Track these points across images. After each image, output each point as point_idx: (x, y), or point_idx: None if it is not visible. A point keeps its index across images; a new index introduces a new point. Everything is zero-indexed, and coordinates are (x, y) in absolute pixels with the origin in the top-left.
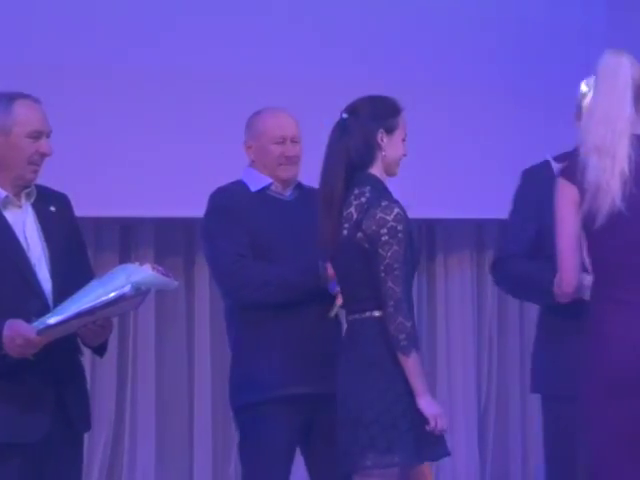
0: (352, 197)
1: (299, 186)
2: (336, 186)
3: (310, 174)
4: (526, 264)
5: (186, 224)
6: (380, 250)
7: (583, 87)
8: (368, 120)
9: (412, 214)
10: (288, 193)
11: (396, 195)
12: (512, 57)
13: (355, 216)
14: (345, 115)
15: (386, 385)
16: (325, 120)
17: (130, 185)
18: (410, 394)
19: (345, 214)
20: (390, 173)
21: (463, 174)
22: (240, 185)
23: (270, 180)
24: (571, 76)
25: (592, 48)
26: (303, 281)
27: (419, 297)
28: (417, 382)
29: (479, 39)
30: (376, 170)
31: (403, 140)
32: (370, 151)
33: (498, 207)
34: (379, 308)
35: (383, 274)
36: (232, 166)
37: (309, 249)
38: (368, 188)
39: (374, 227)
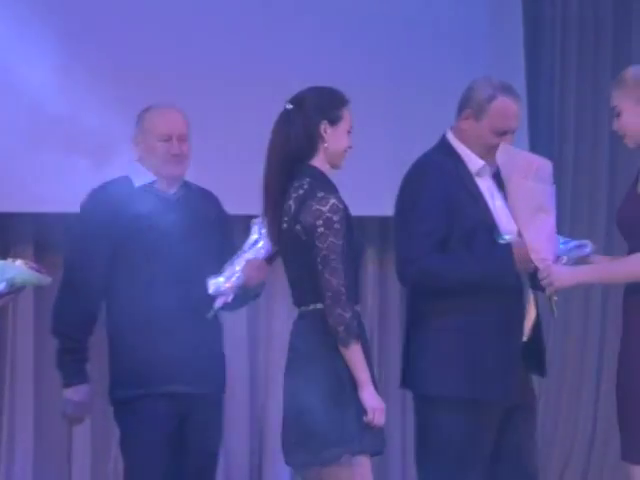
0: (291, 190)
1: (186, 185)
2: (275, 178)
3: None
4: (449, 260)
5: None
6: (317, 242)
7: (487, 88)
8: (312, 111)
9: None
10: (172, 191)
11: None
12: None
13: (293, 208)
14: (290, 106)
15: (334, 377)
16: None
17: (8, 180)
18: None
19: (285, 207)
20: (334, 165)
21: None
22: (125, 180)
23: (154, 177)
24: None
25: (474, 47)
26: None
27: None
28: (359, 373)
29: (364, 37)
30: (318, 162)
31: (348, 132)
32: (311, 142)
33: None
34: (321, 300)
35: (320, 266)
36: (113, 163)
37: (189, 247)
38: (307, 180)
39: (310, 219)
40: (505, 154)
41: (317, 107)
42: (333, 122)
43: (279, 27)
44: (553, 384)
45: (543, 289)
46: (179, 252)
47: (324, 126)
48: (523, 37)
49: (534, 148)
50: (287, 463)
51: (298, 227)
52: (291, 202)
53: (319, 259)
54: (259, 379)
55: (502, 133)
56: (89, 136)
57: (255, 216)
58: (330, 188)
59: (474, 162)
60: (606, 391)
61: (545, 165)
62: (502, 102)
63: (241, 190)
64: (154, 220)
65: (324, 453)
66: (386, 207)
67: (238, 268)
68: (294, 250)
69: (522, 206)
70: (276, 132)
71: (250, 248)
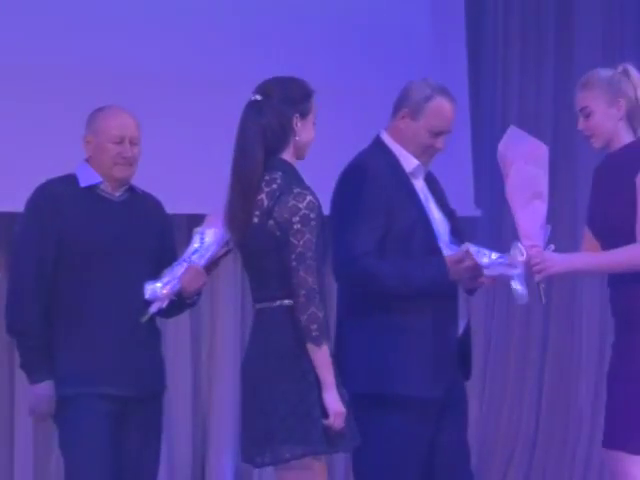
0: (263, 183)
1: (131, 189)
2: (255, 170)
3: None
4: (389, 264)
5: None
6: (292, 238)
7: (424, 89)
8: (283, 104)
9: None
10: (118, 194)
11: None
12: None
13: (266, 203)
14: (258, 97)
15: (300, 375)
16: None
17: None
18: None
19: (256, 202)
20: (300, 157)
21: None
22: (70, 179)
23: (100, 178)
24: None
25: (416, 49)
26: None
27: None
28: (326, 374)
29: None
30: (287, 155)
31: (314, 124)
32: (285, 135)
33: None
34: (289, 297)
35: (295, 263)
36: (57, 162)
37: (129, 251)
38: (279, 174)
39: (286, 215)
40: (512, 137)
41: (288, 99)
42: (303, 115)
43: (224, 28)
44: (497, 383)
45: (472, 292)
46: (119, 255)
47: (296, 119)
48: (466, 38)
49: (476, 148)
50: (246, 461)
51: (271, 222)
52: (263, 196)
53: (294, 256)
54: (202, 377)
55: (437, 133)
56: (33, 135)
57: (198, 216)
58: (303, 183)
59: (409, 162)
60: (548, 391)
61: (544, 150)
62: (439, 102)
63: (183, 190)
64: (96, 222)
65: (288, 451)
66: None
67: (177, 275)
68: (265, 245)
69: (520, 191)
70: (247, 123)
71: (191, 256)
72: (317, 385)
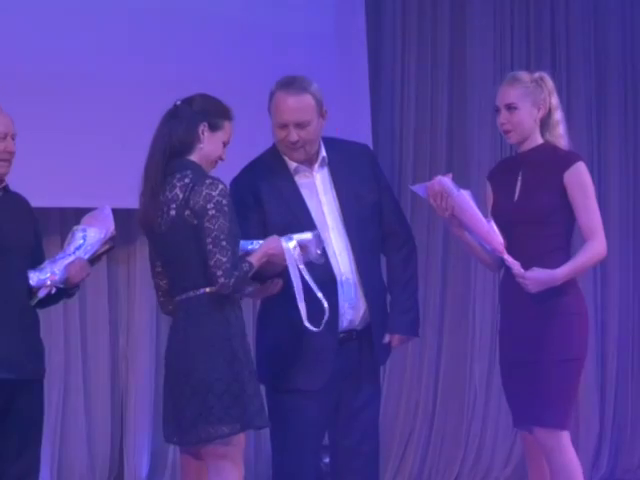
0: (175, 180)
1: (5, 188)
2: (154, 168)
3: None
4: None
5: None
6: (207, 224)
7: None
8: (195, 112)
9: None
10: None
11: None
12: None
13: (181, 196)
14: (178, 102)
15: (231, 356)
16: None
17: None
18: (252, 363)
19: (170, 196)
20: (205, 168)
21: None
22: None
23: None
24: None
25: (321, 51)
26: None
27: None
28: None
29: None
30: (195, 158)
31: (225, 144)
32: (189, 139)
33: None
34: (211, 284)
35: (211, 246)
36: None
37: (9, 242)
38: (189, 171)
39: (201, 202)
40: (420, 189)
41: (202, 108)
42: (212, 127)
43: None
44: (397, 366)
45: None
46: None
47: (203, 127)
48: (367, 41)
49: (377, 142)
50: (171, 442)
51: (188, 212)
52: (177, 191)
53: (210, 239)
54: (120, 363)
55: (282, 126)
56: None
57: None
58: (214, 176)
59: (290, 162)
60: (444, 373)
61: (445, 180)
62: (277, 97)
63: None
64: None
65: (227, 427)
66: None
67: (62, 265)
68: (184, 236)
69: (471, 212)
70: (160, 125)
71: (75, 251)
72: (247, 364)
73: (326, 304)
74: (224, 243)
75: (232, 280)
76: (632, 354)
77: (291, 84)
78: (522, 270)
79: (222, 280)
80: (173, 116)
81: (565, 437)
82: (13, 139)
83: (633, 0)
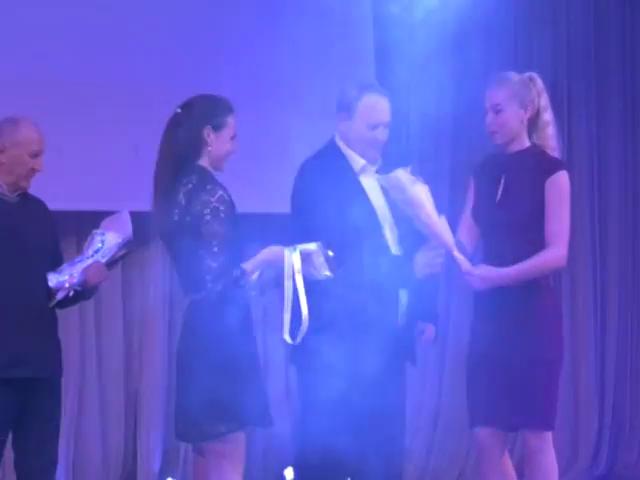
0: (180, 186)
1: (24, 192)
2: (163, 176)
3: None
4: None
5: None
6: (202, 229)
7: (353, 89)
8: (197, 117)
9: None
10: (14, 195)
11: None
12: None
13: (184, 202)
14: (179, 110)
15: (230, 356)
16: None
17: None
18: (255, 362)
19: (175, 202)
20: (216, 168)
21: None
22: None
23: None
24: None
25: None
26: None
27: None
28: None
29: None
30: (204, 162)
31: (232, 138)
32: (195, 145)
33: None
34: (202, 289)
35: (202, 251)
36: None
37: (29, 245)
38: (194, 177)
39: (199, 207)
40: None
41: (203, 113)
42: (217, 128)
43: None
44: None
45: None
46: (20, 249)
47: (207, 131)
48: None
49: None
50: (181, 439)
51: (188, 218)
52: (181, 196)
53: (202, 244)
54: (133, 362)
55: (374, 127)
56: None
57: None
58: (217, 183)
59: (356, 162)
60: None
61: (400, 174)
62: (368, 98)
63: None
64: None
65: (237, 422)
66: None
67: (81, 268)
68: (186, 240)
69: (424, 208)
70: (165, 134)
71: (94, 254)
72: (249, 364)
73: (306, 315)
74: (215, 249)
75: (219, 286)
76: (631, 352)
77: (377, 86)
78: (469, 267)
79: (209, 285)
80: (176, 124)
81: (550, 438)
82: (42, 156)
83: (633, 0)
